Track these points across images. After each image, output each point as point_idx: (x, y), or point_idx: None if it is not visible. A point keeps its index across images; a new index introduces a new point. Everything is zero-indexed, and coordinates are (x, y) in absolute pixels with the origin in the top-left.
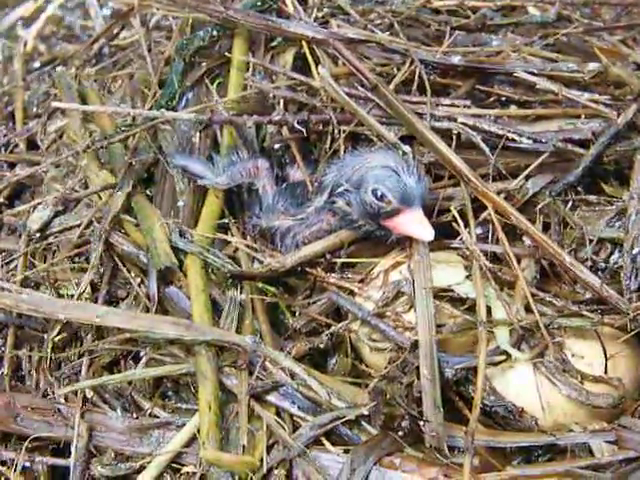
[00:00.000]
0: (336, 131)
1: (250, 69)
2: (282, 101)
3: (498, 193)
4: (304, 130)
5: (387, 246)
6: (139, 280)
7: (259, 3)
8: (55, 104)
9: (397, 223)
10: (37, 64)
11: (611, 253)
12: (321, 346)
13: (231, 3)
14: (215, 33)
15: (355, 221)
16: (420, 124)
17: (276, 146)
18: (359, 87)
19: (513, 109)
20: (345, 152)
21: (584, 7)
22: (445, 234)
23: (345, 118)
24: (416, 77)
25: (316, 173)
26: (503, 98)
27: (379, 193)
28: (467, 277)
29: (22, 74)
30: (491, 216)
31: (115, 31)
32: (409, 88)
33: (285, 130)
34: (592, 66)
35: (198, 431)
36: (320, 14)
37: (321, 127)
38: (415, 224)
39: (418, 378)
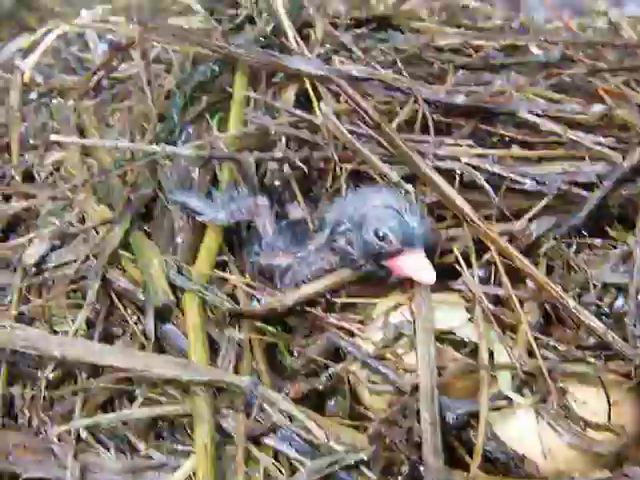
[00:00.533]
0: (338, 169)
1: (251, 105)
2: (283, 138)
3: (501, 235)
4: (305, 167)
5: (388, 287)
6: (135, 317)
7: (261, 39)
8: (54, 137)
9: (398, 264)
10: (34, 95)
11: (616, 298)
12: (320, 387)
13: (233, 38)
14: (216, 68)
15: (356, 261)
16: (423, 164)
17: (276, 182)
18: (362, 125)
19: (516, 150)
20: (347, 190)
21: (587, 48)
22: (447, 275)
23: (347, 156)
24: (419, 116)
25: (317, 211)
26: (506, 138)
27: (381, 233)
28: (469, 320)
29: (18, 105)
30: (494, 258)
31: (114, 63)
32: (412, 126)
33: (286, 167)
34: (597, 108)
35: (194, 474)
36: (323, 50)
37: (323, 164)
38: (416, 266)
39: (418, 422)
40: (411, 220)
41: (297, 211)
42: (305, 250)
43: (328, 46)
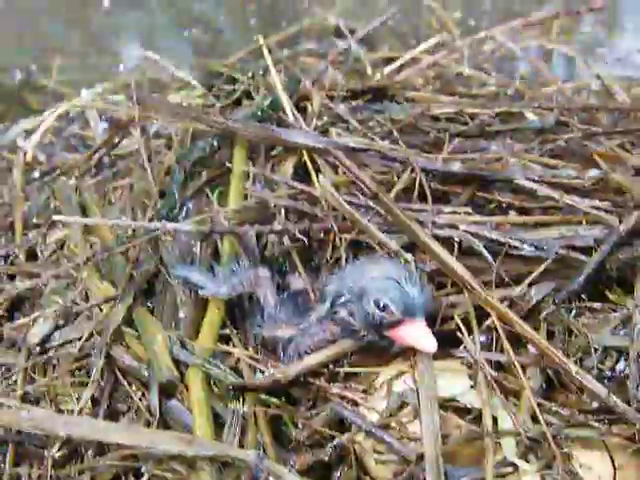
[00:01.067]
0: (337, 239)
1: (250, 178)
2: (283, 210)
3: (501, 301)
4: (306, 239)
5: (390, 355)
6: (140, 394)
7: (259, 113)
8: (56, 218)
9: (400, 334)
10: (36, 174)
11: (617, 361)
12: (325, 459)
13: (231, 114)
14: (215, 143)
15: (358, 331)
16: (421, 232)
17: (277, 254)
18: (360, 195)
19: (513, 216)
20: (346, 261)
21: (582, 112)
22: (449, 342)
23: (346, 226)
24: (417, 184)
25: (317, 282)
26: (503, 205)
27: (381, 304)
28: (472, 387)
29: (21, 184)
30: (495, 324)
31: (115, 141)
32: (409, 195)
33: (286, 238)
34: (592, 173)
35: None
36: (320, 122)
37: (322, 235)
38: (417, 335)
39: None
40: (411, 290)
41: (298, 282)
42: (307, 321)
43: (325, 118)
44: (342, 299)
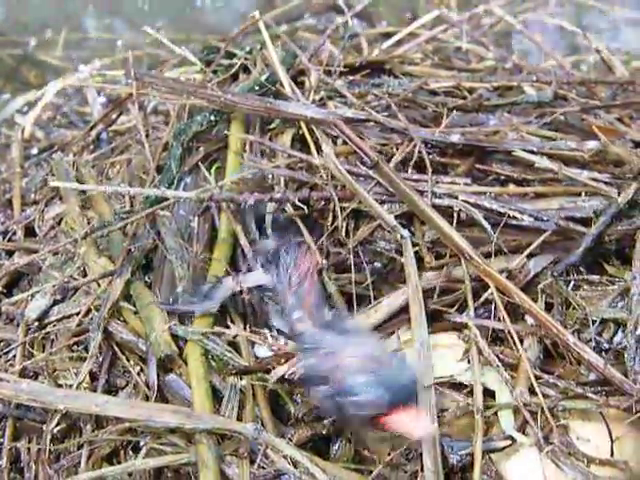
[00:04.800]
0: (337, 208)
1: (248, 149)
2: (282, 180)
3: (500, 272)
4: (305, 208)
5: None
6: (138, 368)
7: (256, 87)
8: (53, 184)
9: (389, 423)
10: (35, 151)
11: (614, 333)
12: (323, 432)
13: (228, 88)
14: (212, 118)
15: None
16: (421, 202)
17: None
18: (360, 165)
19: (513, 187)
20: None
21: (580, 86)
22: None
23: (345, 195)
24: (415, 155)
25: None
26: (502, 177)
27: (367, 400)
28: (469, 361)
29: (20, 161)
30: (493, 295)
31: (113, 117)
32: (408, 167)
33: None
34: (591, 144)
35: None
36: (317, 97)
37: (322, 204)
38: (408, 423)
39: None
40: (393, 377)
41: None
42: None
43: (322, 92)
44: (320, 388)
